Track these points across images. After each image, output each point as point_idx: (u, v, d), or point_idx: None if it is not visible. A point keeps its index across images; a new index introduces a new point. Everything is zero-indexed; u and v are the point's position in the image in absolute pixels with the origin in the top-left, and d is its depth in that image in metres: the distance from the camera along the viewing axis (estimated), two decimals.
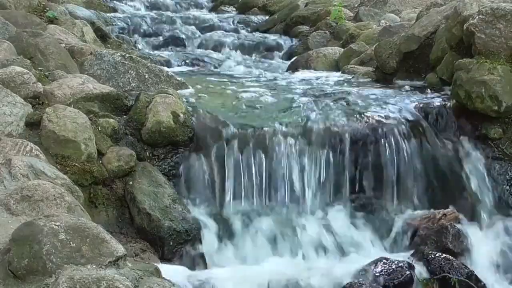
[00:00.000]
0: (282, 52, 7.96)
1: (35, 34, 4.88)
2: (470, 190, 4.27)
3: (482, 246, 3.99)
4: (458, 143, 4.39)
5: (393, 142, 4.28)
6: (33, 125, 3.80)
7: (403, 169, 4.26)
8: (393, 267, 3.59)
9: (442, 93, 4.85)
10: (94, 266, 2.46)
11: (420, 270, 3.67)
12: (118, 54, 5.05)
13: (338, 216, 4.11)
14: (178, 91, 4.58)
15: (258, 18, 9.50)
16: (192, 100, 4.57)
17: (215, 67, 7.15)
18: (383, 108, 4.50)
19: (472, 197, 4.25)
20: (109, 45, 6.63)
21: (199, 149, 4.09)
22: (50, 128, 3.72)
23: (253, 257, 3.83)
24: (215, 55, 7.59)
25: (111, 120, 4.03)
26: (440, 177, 4.30)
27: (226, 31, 8.76)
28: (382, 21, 7.48)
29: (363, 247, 3.99)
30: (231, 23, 9.15)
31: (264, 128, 4.19)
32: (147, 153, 4.06)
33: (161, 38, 8.11)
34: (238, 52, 7.81)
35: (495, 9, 4.39)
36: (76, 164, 3.71)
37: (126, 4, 10.05)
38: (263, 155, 4.09)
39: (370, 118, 4.36)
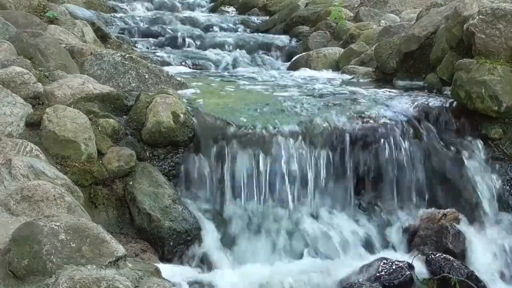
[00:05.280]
0: (282, 52, 7.95)
1: (35, 35, 4.88)
2: (470, 190, 4.26)
3: (482, 246, 3.99)
4: (458, 143, 4.39)
5: (393, 142, 4.28)
6: (33, 125, 3.79)
7: (403, 169, 4.26)
8: (393, 267, 3.59)
9: (442, 93, 4.85)
10: (94, 266, 2.46)
11: (420, 270, 3.67)
12: (118, 54, 5.05)
13: (339, 216, 4.12)
14: (178, 91, 4.58)
15: (258, 18, 9.50)
16: (192, 100, 4.56)
17: (215, 68, 7.15)
18: (383, 108, 4.49)
19: (472, 197, 4.24)
20: (109, 45, 6.63)
21: (199, 149, 4.09)
22: (50, 128, 3.71)
23: (254, 258, 3.83)
24: (215, 55, 7.58)
25: (111, 120, 4.03)
26: (440, 177, 4.30)
27: (226, 31, 8.76)
28: (382, 21, 7.48)
29: (363, 247, 4.00)
30: (231, 23, 9.14)
31: (264, 128, 4.19)
32: (147, 153, 4.06)
33: (161, 38, 8.10)
34: (238, 52, 7.80)
35: (495, 9, 4.39)
36: (76, 164, 3.70)
37: (126, 4, 10.06)
38: (263, 155, 4.09)
39: (370, 118, 4.36)
